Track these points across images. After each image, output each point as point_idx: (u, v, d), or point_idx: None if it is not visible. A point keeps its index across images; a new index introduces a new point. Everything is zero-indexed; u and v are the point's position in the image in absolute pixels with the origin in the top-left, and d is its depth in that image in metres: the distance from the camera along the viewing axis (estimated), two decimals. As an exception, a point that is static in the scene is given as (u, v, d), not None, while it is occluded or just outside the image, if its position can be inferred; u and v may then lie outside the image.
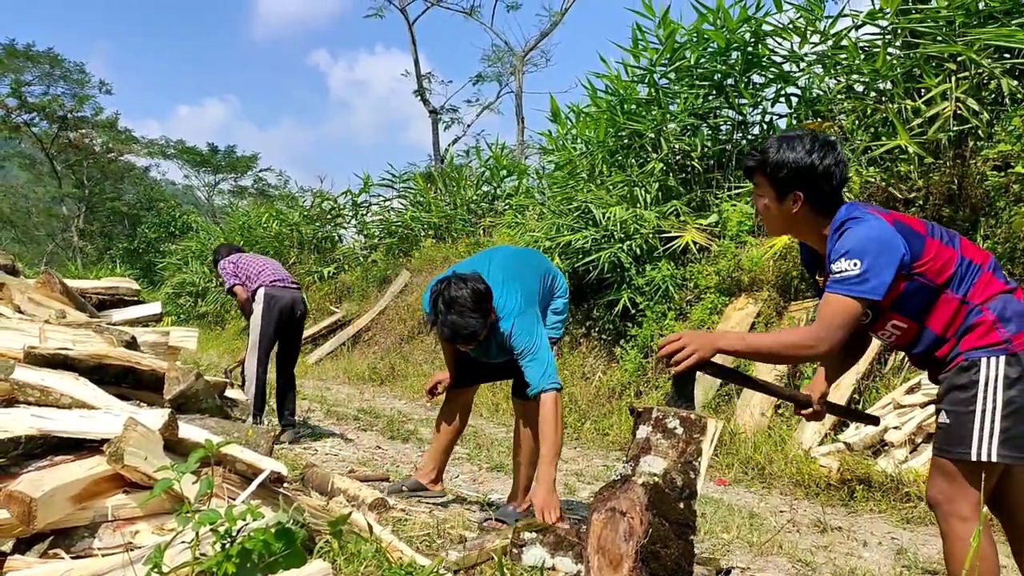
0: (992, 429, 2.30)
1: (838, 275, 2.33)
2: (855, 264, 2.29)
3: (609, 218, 8.45)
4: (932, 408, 5.20)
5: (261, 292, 6.18)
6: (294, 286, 6.41)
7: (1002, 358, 2.30)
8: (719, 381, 6.97)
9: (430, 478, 4.31)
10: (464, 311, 3.43)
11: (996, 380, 2.30)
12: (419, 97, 25.11)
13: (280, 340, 6.39)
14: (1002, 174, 6.08)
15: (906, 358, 5.74)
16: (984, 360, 2.32)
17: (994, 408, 2.30)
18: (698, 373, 2.53)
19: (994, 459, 2.29)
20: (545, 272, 3.92)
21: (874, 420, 3.14)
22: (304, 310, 6.47)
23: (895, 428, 5.34)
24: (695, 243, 8.14)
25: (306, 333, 11.73)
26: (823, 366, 2.87)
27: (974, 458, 2.30)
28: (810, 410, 2.81)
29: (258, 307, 6.16)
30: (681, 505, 2.48)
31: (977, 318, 2.35)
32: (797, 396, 2.87)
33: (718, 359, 2.50)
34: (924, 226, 2.43)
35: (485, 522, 3.78)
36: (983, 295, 2.36)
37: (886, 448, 5.35)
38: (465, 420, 4.36)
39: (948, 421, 2.38)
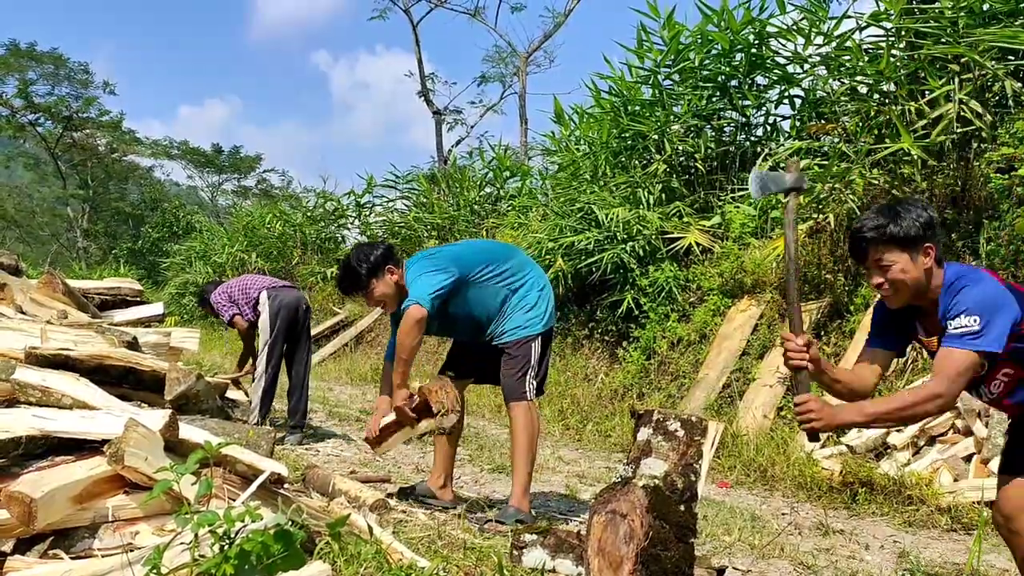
0: None
1: (958, 330, 2.43)
2: (975, 320, 2.41)
3: (612, 219, 8.44)
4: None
5: (263, 295, 6.15)
6: (294, 287, 6.42)
7: None
8: (721, 383, 6.96)
9: (439, 484, 4.32)
10: (347, 268, 4.03)
11: None
12: (423, 98, 25.13)
13: (289, 341, 6.32)
14: (1006, 176, 6.06)
15: (909, 362, 5.71)
16: None
17: None
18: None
19: None
20: (497, 259, 4.11)
21: None
22: (308, 307, 6.45)
23: (897, 431, 5.33)
24: (698, 244, 8.13)
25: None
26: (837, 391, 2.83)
27: None
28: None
29: (264, 308, 6.13)
30: (682, 508, 2.47)
31: None
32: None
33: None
34: None
35: (485, 524, 3.79)
36: None
37: (888, 451, 5.34)
38: (461, 419, 4.33)
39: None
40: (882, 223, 2.53)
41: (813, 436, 2.61)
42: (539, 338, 4.04)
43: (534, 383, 4.01)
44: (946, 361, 2.44)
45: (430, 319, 3.85)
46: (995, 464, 4.72)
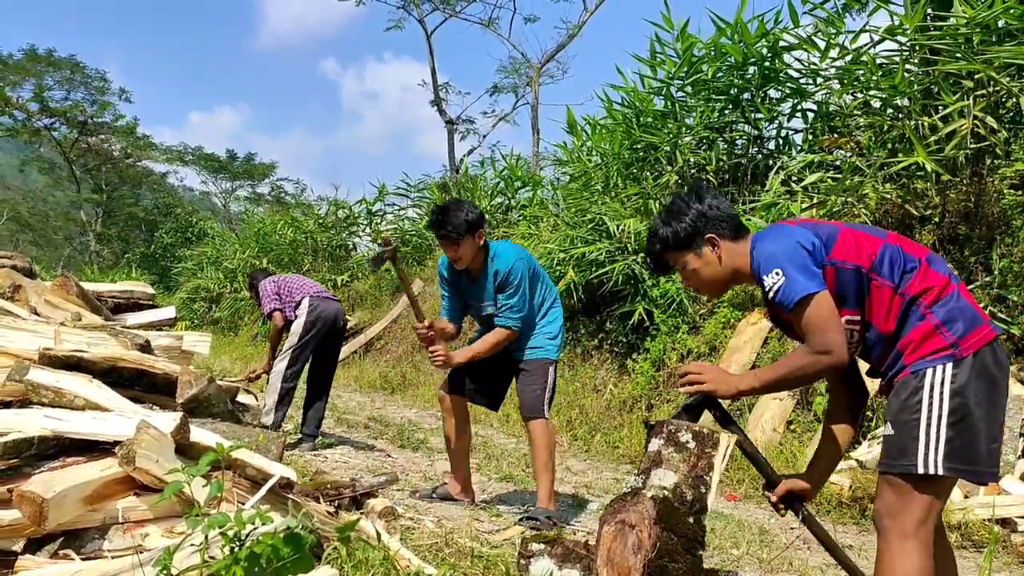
0: (937, 439, 2.19)
1: (777, 290, 2.31)
2: (777, 273, 2.31)
3: (623, 230, 8.45)
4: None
5: (306, 301, 6.17)
6: (335, 298, 6.42)
7: (948, 365, 2.21)
8: (731, 396, 6.92)
9: (457, 489, 4.65)
10: (449, 213, 4.18)
11: (942, 388, 2.20)
12: (436, 108, 25.23)
13: (316, 351, 6.29)
14: (1019, 192, 6.04)
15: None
16: (930, 370, 2.22)
17: (939, 417, 2.20)
18: (707, 412, 2.62)
19: (940, 472, 2.18)
20: (545, 280, 4.48)
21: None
22: (346, 323, 6.47)
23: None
24: (709, 257, 8.11)
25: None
26: (826, 430, 2.73)
27: (920, 470, 2.19)
28: (774, 497, 2.71)
29: (302, 314, 6.13)
30: (691, 519, 2.46)
31: (919, 323, 2.26)
32: (773, 477, 2.74)
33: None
34: (842, 223, 2.47)
35: (519, 520, 4.12)
36: (919, 287, 2.27)
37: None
38: (467, 428, 4.66)
39: (892, 432, 2.28)
40: (656, 234, 2.59)
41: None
42: (555, 364, 4.38)
43: (548, 404, 4.31)
44: (798, 321, 2.31)
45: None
46: (1005, 482, 4.70)
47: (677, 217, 2.55)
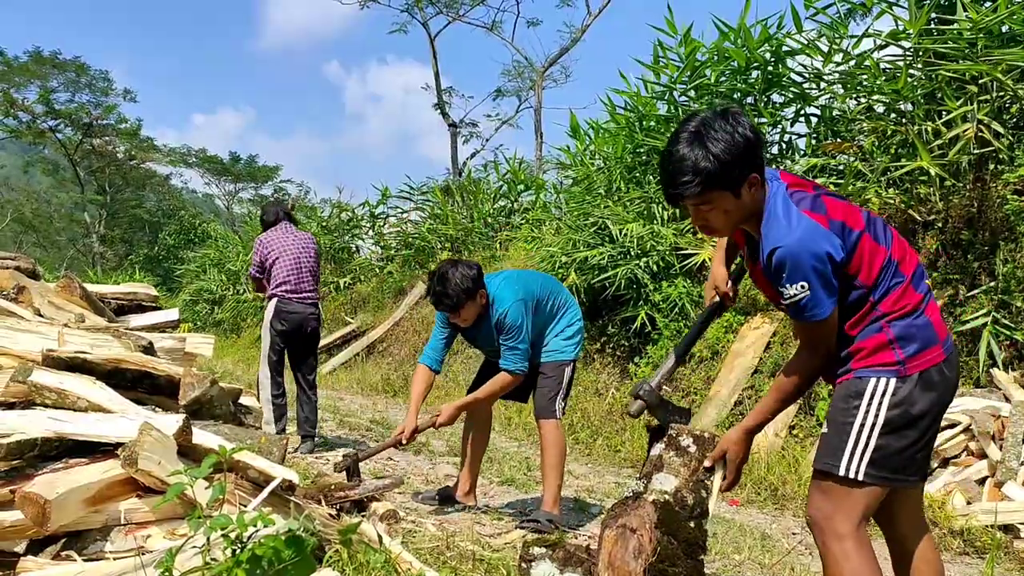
0: (866, 446, 2.22)
1: (799, 302, 2.20)
2: (803, 287, 2.17)
3: (626, 234, 8.44)
4: (949, 432, 5.15)
5: (273, 303, 6.14)
6: (309, 299, 6.24)
7: (892, 379, 2.22)
8: (733, 400, 6.93)
9: (463, 491, 4.66)
10: (447, 284, 4.06)
11: (882, 399, 2.22)
12: (439, 111, 25.26)
13: (291, 351, 6.32)
14: (1023, 198, 6.03)
15: None
16: (874, 379, 2.24)
17: (873, 425, 2.22)
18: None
19: (860, 477, 2.21)
20: (551, 291, 4.42)
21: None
22: (316, 325, 6.32)
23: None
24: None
25: (321, 343, 11.74)
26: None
27: (841, 472, 2.23)
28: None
29: (268, 314, 6.14)
30: (692, 524, 2.47)
31: (875, 333, 2.25)
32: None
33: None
34: (862, 218, 2.29)
35: (522, 523, 4.15)
36: (893, 305, 2.25)
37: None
38: (487, 432, 4.75)
39: (827, 431, 2.31)
40: (695, 166, 2.19)
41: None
42: (572, 364, 4.39)
43: (563, 403, 4.35)
44: (806, 332, 2.29)
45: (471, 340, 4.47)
46: (1008, 488, 4.69)
47: (723, 144, 2.16)
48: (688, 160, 2.17)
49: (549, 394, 4.30)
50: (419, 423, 4.28)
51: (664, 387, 2.76)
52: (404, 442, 4.35)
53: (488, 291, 4.21)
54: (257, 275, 6.39)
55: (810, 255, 2.15)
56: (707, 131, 2.18)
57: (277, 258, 6.24)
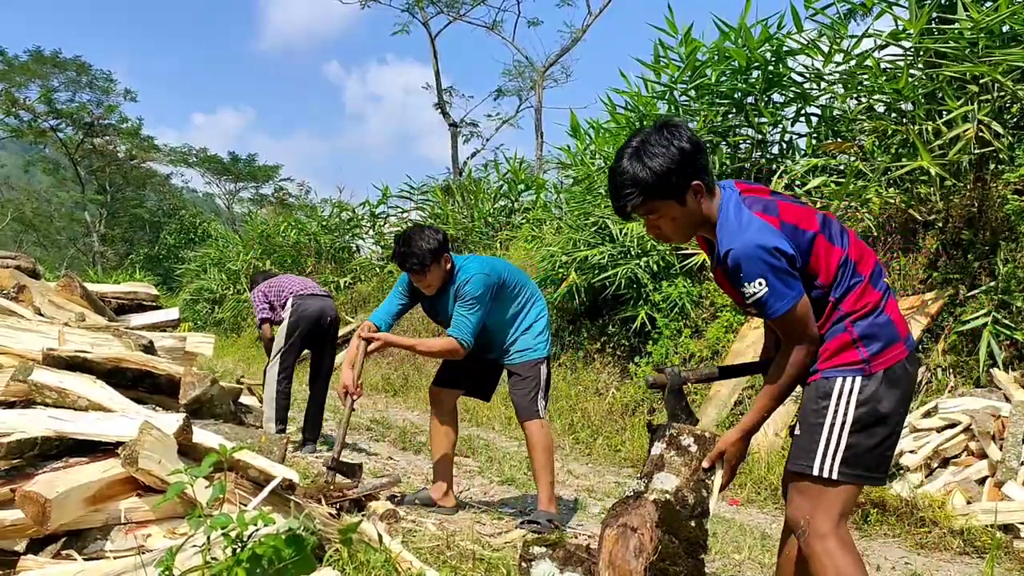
0: (837, 446, 2.26)
1: (760, 300, 2.25)
2: (760, 284, 2.23)
3: (626, 234, 8.45)
4: (949, 432, 5.15)
5: (290, 300, 6.17)
6: (323, 294, 6.40)
7: (858, 378, 2.27)
8: (733, 400, 6.94)
9: (441, 492, 4.53)
10: (412, 244, 4.08)
11: (849, 397, 2.26)
12: (439, 110, 25.27)
13: (312, 350, 6.35)
14: (1023, 198, 6.03)
15: (924, 383, 5.64)
16: (840, 379, 2.28)
17: (843, 424, 2.26)
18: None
19: (834, 476, 2.26)
20: (520, 282, 4.38)
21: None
22: (334, 318, 6.35)
23: (911, 452, 5.29)
24: (712, 261, 8.10)
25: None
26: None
27: (815, 472, 2.27)
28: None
29: (286, 314, 6.15)
30: (692, 523, 2.47)
31: (840, 333, 2.30)
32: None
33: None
34: (816, 220, 2.34)
35: (520, 524, 4.10)
36: (853, 305, 2.30)
37: (901, 472, 5.30)
38: (454, 425, 4.63)
39: (799, 432, 2.36)
40: (634, 178, 2.31)
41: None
42: (546, 360, 4.35)
43: (544, 402, 4.29)
44: (782, 329, 2.32)
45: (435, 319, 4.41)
46: (1008, 487, 4.69)
47: (660, 158, 2.28)
48: (628, 174, 2.32)
49: (529, 395, 4.25)
50: (354, 366, 4.18)
51: (689, 384, 2.75)
52: (354, 397, 4.23)
53: (455, 262, 4.24)
54: (266, 316, 6.40)
55: (761, 251, 2.23)
56: (644, 146, 2.31)
57: (281, 289, 6.39)
